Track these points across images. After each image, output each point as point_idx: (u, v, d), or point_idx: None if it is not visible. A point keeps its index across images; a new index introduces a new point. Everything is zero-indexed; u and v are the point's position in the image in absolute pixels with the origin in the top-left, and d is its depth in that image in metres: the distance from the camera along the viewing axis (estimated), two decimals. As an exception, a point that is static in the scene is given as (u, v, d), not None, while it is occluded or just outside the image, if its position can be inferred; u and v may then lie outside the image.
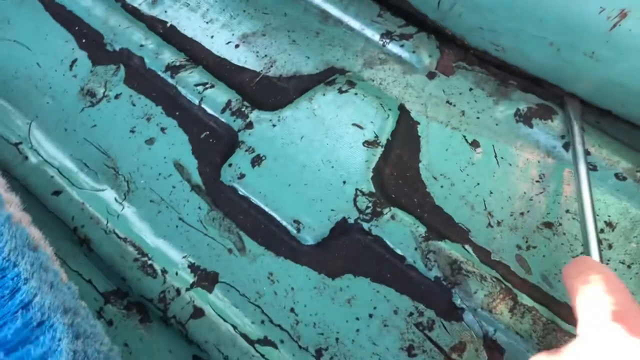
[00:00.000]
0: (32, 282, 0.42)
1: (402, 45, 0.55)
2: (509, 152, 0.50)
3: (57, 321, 0.41)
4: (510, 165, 0.49)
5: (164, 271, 0.49)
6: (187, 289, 0.48)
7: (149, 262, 0.49)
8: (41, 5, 0.62)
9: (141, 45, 0.58)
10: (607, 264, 0.45)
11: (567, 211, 0.47)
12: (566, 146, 0.49)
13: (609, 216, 0.47)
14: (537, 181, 0.49)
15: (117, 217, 0.51)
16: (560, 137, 0.49)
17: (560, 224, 0.47)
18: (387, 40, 0.55)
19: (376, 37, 0.56)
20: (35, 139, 0.55)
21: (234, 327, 0.46)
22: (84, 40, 0.60)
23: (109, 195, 0.52)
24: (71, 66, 0.59)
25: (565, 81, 0.50)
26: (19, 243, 0.44)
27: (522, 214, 0.48)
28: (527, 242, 0.47)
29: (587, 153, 0.48)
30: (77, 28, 0.60)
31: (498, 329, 0.44)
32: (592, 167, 0.48)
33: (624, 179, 0.47)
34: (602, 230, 0.46)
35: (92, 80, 0.58)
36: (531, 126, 0.50)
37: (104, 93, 0.57)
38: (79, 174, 0.53)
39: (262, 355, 0.45)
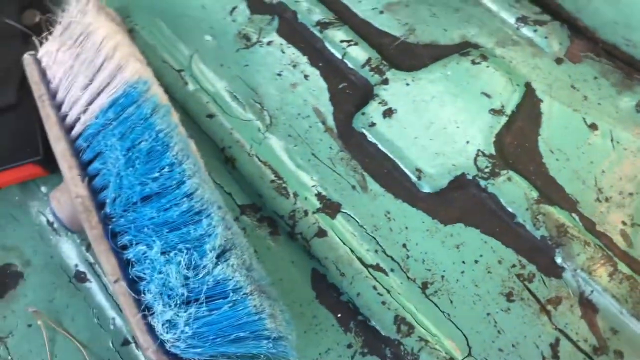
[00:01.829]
0: (194, 179, 0.49)
1: (535, 30, 0.60)
2: (626, 138, 0.54)
3: (214, 212, 0.48)
4: (625, 149, 0.53)
5: (295, 194, 0.55)
6: (314, 212, 0.54)
7: (284, 185, 0.56)
8: (210, -43, 0.70)
9: (296, 1, 0.65)
10: None
11: (675, 198, 0.50)
12: (683, 140, 0.52)
13: None
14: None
15: (259, 144, 0.58)
16: (678, 131, 0.52)
17: (667, 209, 0.50)
18: (522, 24, 0.60)
19: (512, 20, 0.61)
20: (195, 69, 0.63)
21: (352, 251, 0.52)
22: (244, -9, 0.68)
23: (254, 125, 0.59)
24: (231, 12, 0.66)
25: (691, 81, 0.54)
26: (185, 146, 0.51)
27: (630, 194, 0.51)
28: (632, 219, 0.50)
29: (702, 148, 0.51)
30: (239, -20, 0.68)
31: (595, 290, 0.48)
32: None
33: None
34: None
35: (248, 26, 0.65)
36: (651, 117, 0.54)
37: (257, 38, 0.64)
38: (230, 103, 0.61)
39: (374, 278, 0.51)
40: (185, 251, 0.46)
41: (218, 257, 0.46)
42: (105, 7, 0.62)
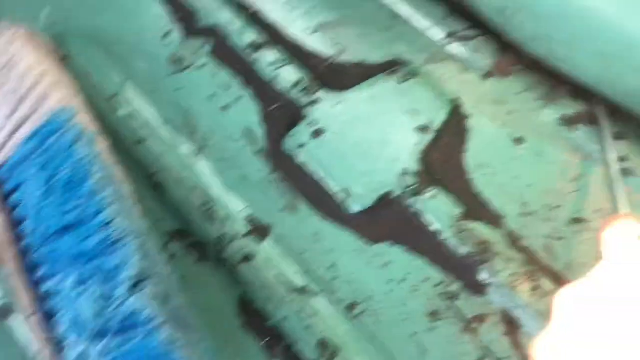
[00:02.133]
0: (114, 207, 0.49)
1: (464, 46, 0.60)
2: (550, 152, 0.54)
3: (131, 242, 0.47)
4: (550, 163, 0.53)
5: (224, 218, 0.55)
6: (243, 236, 0.54)
7: (213, 209, 0.55)
8: (146, -18, 0.70)
9: (229, 24, 0.65)
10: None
11: (598, 211, 0.50)
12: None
13: None
14: (573, 180, 0.52)
15: (190, 168, 0.58)
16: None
17: (590, 222, 0.50)
18: (451, 40, 0.60)
19: (441, 36, 0.61)
20: (127, 94, 0.63)
21: (279, 274, 0.52)
22: (179, 15, 0.67)
23: (185, 149, 0.59)
24: (165, 36, 0.66)
25: (614, 92, 0.54)
26: (106, 174, 0.51)
27: (555, 207, 0.51)
28: (557, 233, 0.50)
29: (621, 160, 0.51)
30: (175, 2, 0.68)
31: (518, 306, 0.47)
32: (627, 174, 0.51)
33: (659, 186, 0.50)
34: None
35: (182, 49, 0.65)
36: (575, 130, 0.54)
37: (190, 62, 0.64)
38: (162, 128, 0.60)
39: (301, 301, 0.50)
40: (99, 282, 0.45)
41: (133, 287, 0.45)
42: (35, 35, 0.61)
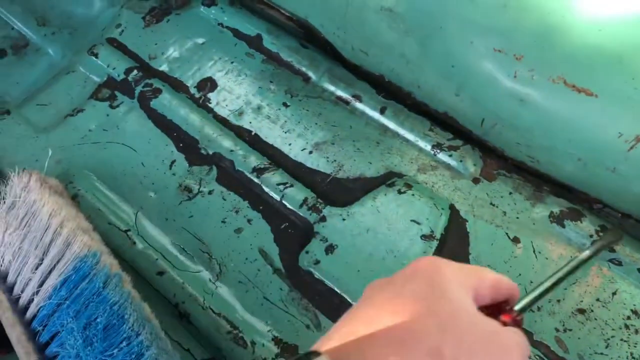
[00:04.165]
0: (152, 349, 0.51)
1: (450, 155, 0.66)
2: (545, 248, 0.59)
3: (173, 380, 0.49)
4: (547, 259, 0.58)
5: (252, 343, 0.57)
6: (273, 359, 0.56)
7: (240, 334, 0.58)
8: (145, 114, 0.75)
9: (231, 150, 0.69)
10: (635, 346, 0.53)
11: (597, 300, 0.56)
12: (594, 244, 0.58)
13: (634, 305, 0.55)
14: (571, 273, 0.57)
15: (212, 295, 0.60)
16: (589, 236, 0.58)
17: (592, 311, 0.55)
18: (438, 151, 0.66)
19: (428, 147, 0.67)
20: (141, 227, 0.66)
21: (314, 393, 0.54)
22: (181, 145, 0.72)
23: (205, 276, 0.62)
24: (170, 166, 0.70)
25: (592, 189, 0.60)
26: (139, 315, 0.53)
27: (558, 301, 0.56)
28: (563, 325, 0.55)
29: (612, 250, 0.57)
30: (175, 134, 0.73)
31: (541, 400, 0.51)
32: (617, 262, 0.57)
33: (645, 273, 0.56)
34: (629, 318, 0.54)
35: (188, 178, 0.69)
36: (563, 226, 0.59)
37: (199, 189, 0.68)
38: (179, 257, 0.63)
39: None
40: None
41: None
42: (47, 178, 0.64)
